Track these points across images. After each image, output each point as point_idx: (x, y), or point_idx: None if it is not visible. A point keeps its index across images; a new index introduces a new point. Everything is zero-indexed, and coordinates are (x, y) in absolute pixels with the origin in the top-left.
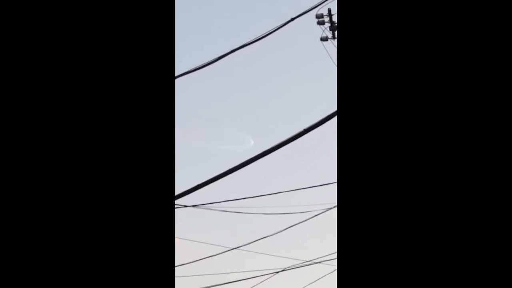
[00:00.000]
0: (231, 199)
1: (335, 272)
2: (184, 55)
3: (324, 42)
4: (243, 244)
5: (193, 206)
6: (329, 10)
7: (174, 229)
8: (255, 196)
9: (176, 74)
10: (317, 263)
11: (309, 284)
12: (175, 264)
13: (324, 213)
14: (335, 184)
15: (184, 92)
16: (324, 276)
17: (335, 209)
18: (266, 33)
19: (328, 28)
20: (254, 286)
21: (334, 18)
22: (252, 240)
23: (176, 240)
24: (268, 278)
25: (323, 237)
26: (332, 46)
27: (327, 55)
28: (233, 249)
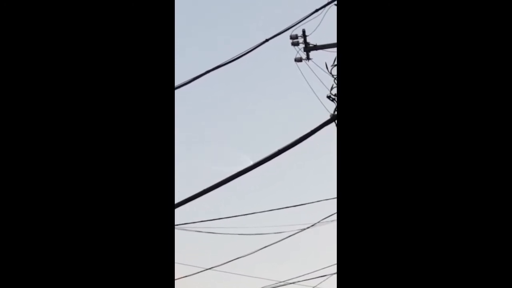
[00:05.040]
0: (205, 219)
1: None
2: (183, 64)
3: (299, 63)
4: (217, 264)
5: None
6: (304, 31)
7: (174, 232)
8: (229, 217)
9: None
10: (291, 283)
11: None
12: None
13: (298, 234)
14: (309, 205)
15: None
16: None
17: (309, 229)
18: (242, 54)
19: (302, 49)
20: None
21: (308, 39)
22: (227, 261)
23: None
24: None
25: (297, 257)
26: (306, 67)
27: (306, 74)
28: (207, 269)
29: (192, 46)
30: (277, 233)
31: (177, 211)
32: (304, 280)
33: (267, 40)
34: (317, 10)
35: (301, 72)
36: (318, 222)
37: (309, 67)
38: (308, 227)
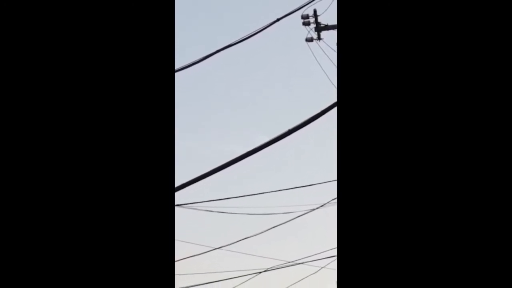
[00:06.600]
0: (215, 199)
1: (318, 273)
2: (183, 53)
3: (310, 43)
4: (226, 244)
5: (177, 205)
6: (315, 11)
7: (174, 228)
8: (239, 196)
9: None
10: (300, 263)
11: (292, 284)
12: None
13: (307, 214)
14: (319, 185)
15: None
16: (307, 276)
17: (318, 210)
18: (251, 33)
19: (313, 29)
20: (237, 286)
21: (320, 19)
22: (235, 240)
23: None
24: (251, 278)
25: (306, 237)
26: (317, 47)
27: (316, 54)
28: (216, 248)
29: (192, 46)
30: (286, 213)
31: (187, 190)
32: (313, 260)
33: (278, 20)
34: None
35: (312, 52)
36: (328, 202)
37: (320, 47)
38: (317, 208)
